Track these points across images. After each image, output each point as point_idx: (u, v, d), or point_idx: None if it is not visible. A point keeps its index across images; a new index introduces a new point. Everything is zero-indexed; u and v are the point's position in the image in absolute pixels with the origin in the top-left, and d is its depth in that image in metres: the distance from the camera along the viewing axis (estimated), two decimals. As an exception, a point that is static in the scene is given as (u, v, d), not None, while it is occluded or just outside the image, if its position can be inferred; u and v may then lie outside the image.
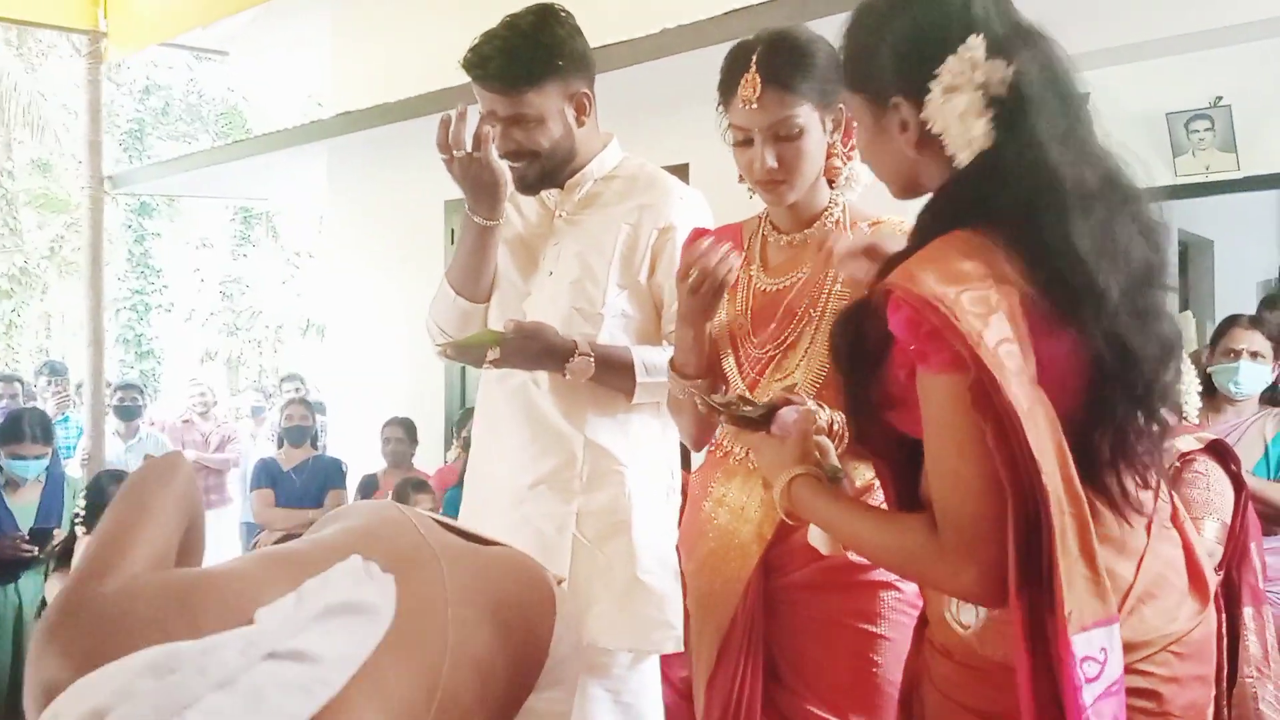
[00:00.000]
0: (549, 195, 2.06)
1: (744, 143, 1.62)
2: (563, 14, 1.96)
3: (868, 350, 1.18)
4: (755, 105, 1.57)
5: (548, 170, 1.99)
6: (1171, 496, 1.25)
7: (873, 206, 1.70)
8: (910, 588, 1.59)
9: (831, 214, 1.67)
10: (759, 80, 1.56)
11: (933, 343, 1.07)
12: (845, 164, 1.68)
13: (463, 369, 5.83)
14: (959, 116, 1.12)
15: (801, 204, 1.66)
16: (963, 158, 1.14)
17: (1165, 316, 1.14)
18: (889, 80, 1.19)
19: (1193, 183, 5.04)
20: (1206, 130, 4.93)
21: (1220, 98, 4.84)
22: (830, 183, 1.69)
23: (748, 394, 1.52)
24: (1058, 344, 1.10)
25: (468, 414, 5.19)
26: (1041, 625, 1.05)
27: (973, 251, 1.10)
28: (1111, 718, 1.05)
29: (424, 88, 5.04)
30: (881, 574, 1.58)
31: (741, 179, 1.68)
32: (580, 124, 1.98)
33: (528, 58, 1.89)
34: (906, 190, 1.27)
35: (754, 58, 1.58)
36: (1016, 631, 1.07)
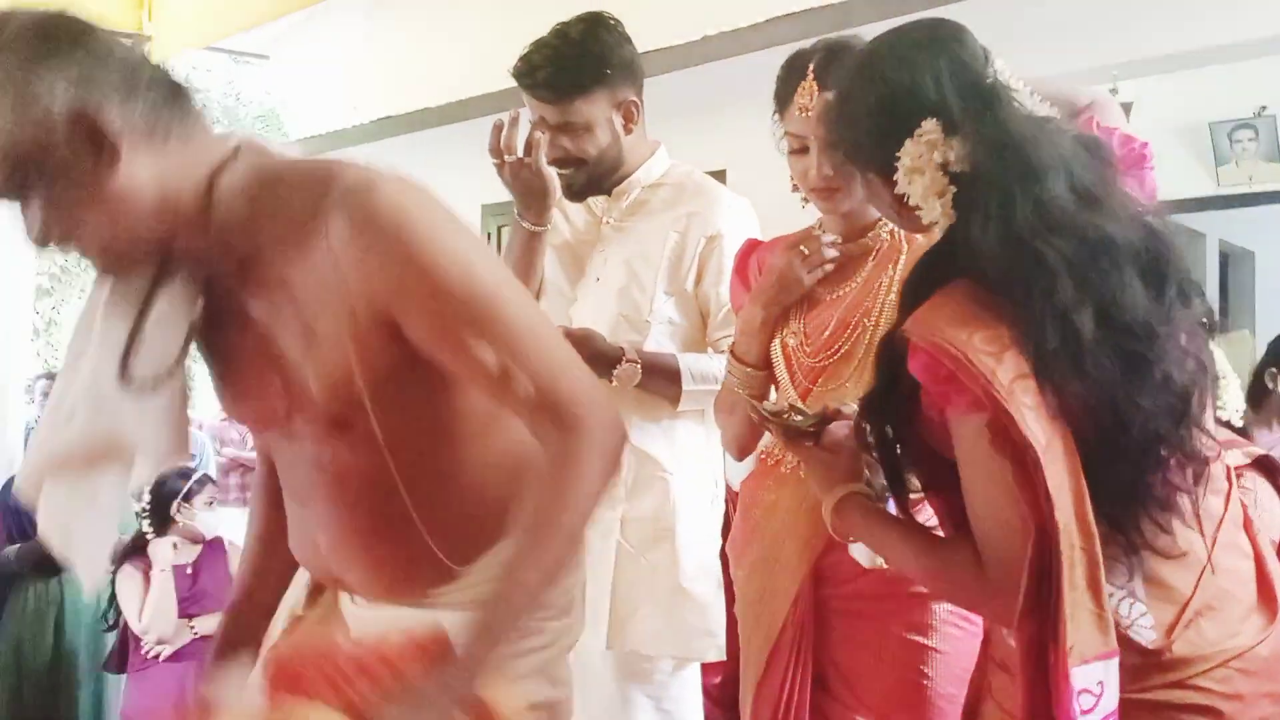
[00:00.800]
0: (596, 202, 2.07)
1: (799, 151, 1.63)
2: (611, 22, 1.97)
3: (904, 387, 1.19)
4: (812, 113, 1.57)
5: (595, 177, 2.01)
6: (1244, 505, 1.24)
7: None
8: (962, 599, 1.58)
9: (885, 224, 1.67)
10: (816, 88, 1.57)
11: (952, 385, 1.10)
12: None
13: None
14: (921, 195, 1.17)
15: (855, 213, 1.66)
16: (938, 230, 1.19)
17: (1169, 361, 1.12)
18: (861, 158, 1.27)
19: (1235, 193, 4.99)
20: (1250, 140, 4.88)
21: (1265, 107, 4.78)
22: None
23: (799, 403, 1.51)
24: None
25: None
26: (1043, 655, 1.08)
27: (977, 298, 1.13)
28: None
29: (462, 93, 5.07)
30: (932, 585, 1.57)
31: (795, 188, 1.68)
32: (628, 131, 2.00)
33: (576, 66, 1.91)
34: (915, 232, 1.34)
35: (811, 66, 1.59)
36: (1017, 660, 1.10)
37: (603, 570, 1.95)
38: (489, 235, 5.90)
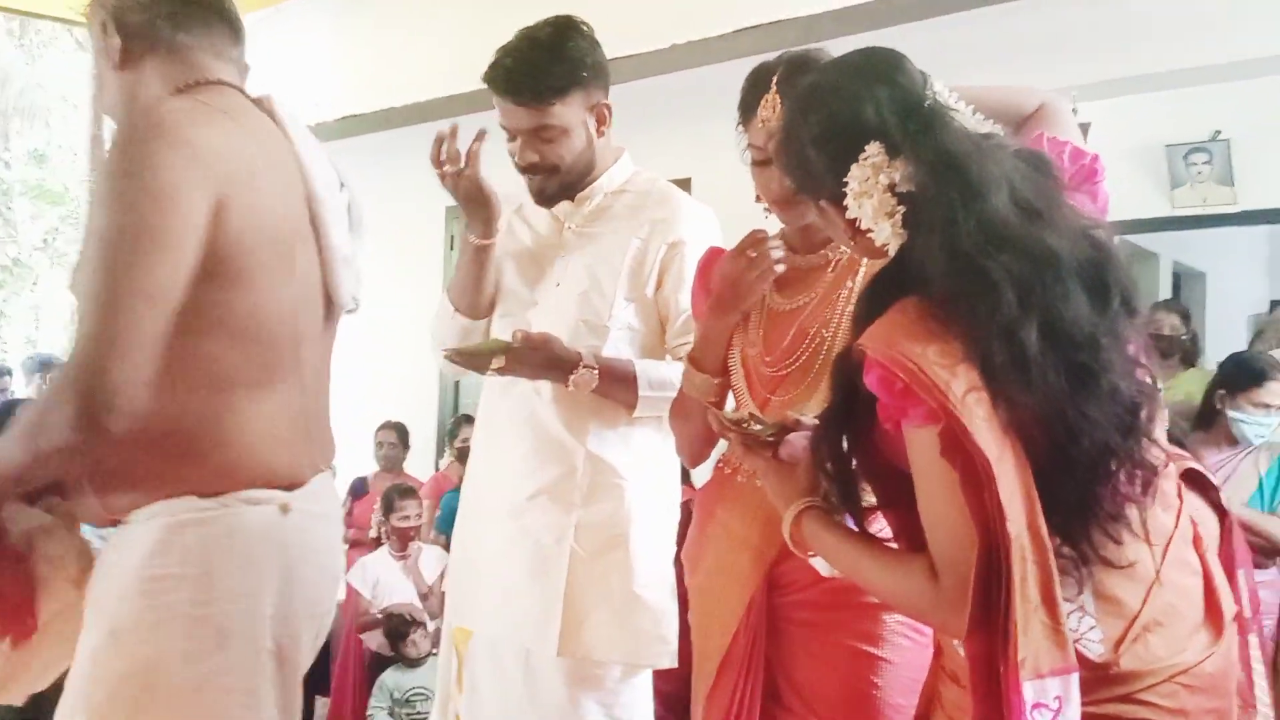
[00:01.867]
0: (559, 208, 2.07)
1: (763, 162, 1.63)
2: (583, 26, 1.97)
3: (860, 401, 1.21)
4: (773, 124, 1.58)
5: (567, 183, 2.00)
6: (1194, 523, 1.26)
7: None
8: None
9: None
10: (779, 101, 1.57)
11: (907, 398, 1.12)
12: None
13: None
14: (871, 218, 1.20)
15: (816, 226, 1.67)
16: (890, 249, 1.22)
17: (1116, 373, 1.14)
18: (811, 187, 1.29)
19: (1189, 215, 5.08)
20: (1205, 163, 4.98)
21: (1219, 131, 4.88)
22: None
23: (758, 412, 1.52)
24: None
25: (460, 421, 5.18)
26: (993, 669, 1.08)
27: (929, 313, 1.15)
28: None
29: (428, 93, 5.05)
30: (884, 596, 1.58)
31: (758, 198, 1.69)
32: (600, 134, 2.00)
33: (554, 70, 1.90)
34: (870, 258, 1.36)
35: (775, 79, 1.60)
36: (968, 675, 1.10)
37: (556, 575, 1.95)
38: (451, 238, 5.88)
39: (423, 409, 5.73)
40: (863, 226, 1.22)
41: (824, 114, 1.24)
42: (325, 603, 1.60)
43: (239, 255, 1.37)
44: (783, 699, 1.63)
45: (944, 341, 1.11)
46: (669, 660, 1.98)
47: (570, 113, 1.93)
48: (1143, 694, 1.14)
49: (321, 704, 4.65)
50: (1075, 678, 1.08)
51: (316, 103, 5.96)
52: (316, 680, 4.70)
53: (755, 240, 1.65)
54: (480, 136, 1.97)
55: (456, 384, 5.81)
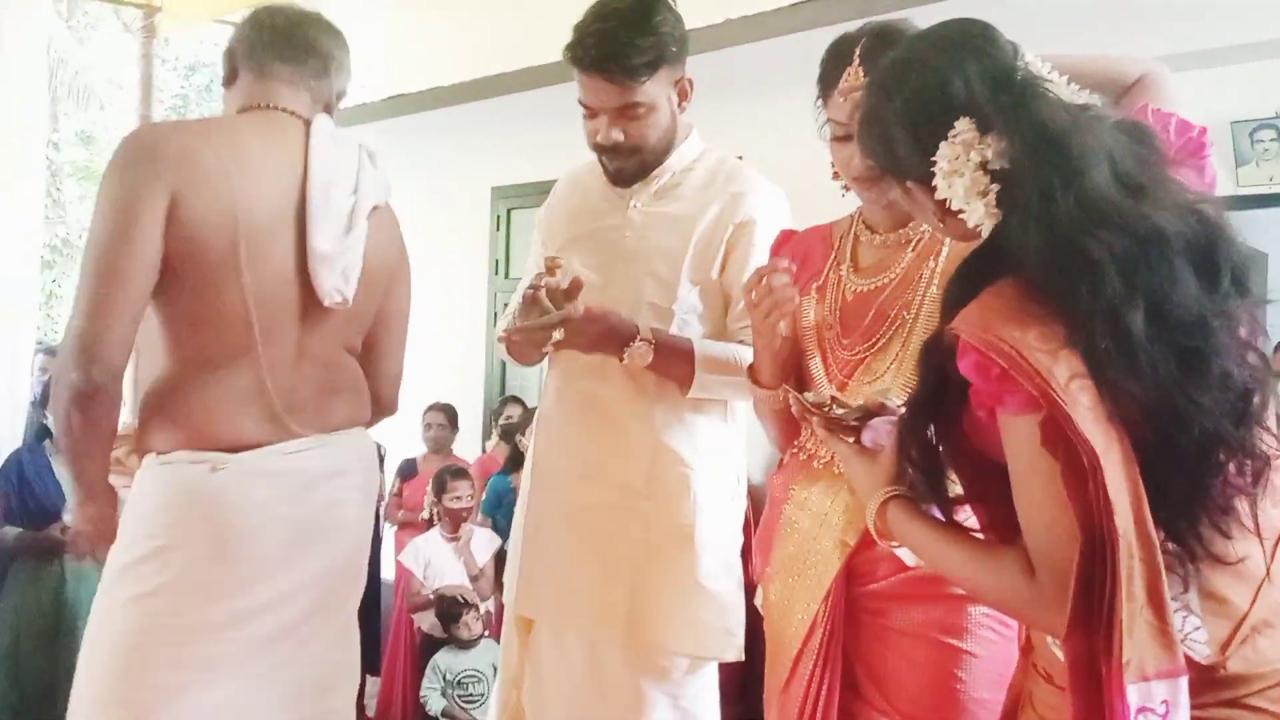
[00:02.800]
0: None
1: (843, 138, 1.58)
2: None
3: (950, 388, 1.15)
4: (858, 100, 1.52)
5: (647, 162, 1.95)
6: None
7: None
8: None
9: None
10: (862, 73, 1.52)
11: (1004, 384, 1.06)
12: None
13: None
14: (963, 197, 1.14)
15: (897, 203, 1.61)
16: (984, 230, 1.15)
17: (1227, 357, 1.08)
18: (898, 167, 1.23)
19: (1255, 194, 4.94)
20: (1272, 140, 4.81)
21: (1285, 109, 4.73)
22: None
23: (840, 395, 1.47)
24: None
25: (506, 401, 5.16)
26: (1095, 671, 1.02)
27: (1027, 295, 1.09)
28: None
29: (475, 72, 5.01)
30: (968, 588, 1.53)
31: (836, 175, 1.63)
32: (682, 110, 1.94)
33: (643, 45, 1.84)
34: (961, 240, 1.28)
35: (857, 51, 1.54)
36: (1067, 676, 1.04)
37: (621, 566, 1.91)
38: (497, 219, 5.85)
39: (470, 390, 5.72)
40: (953, 207, 1.16)
41: (910, 90, 1.18)
42: (301, 559, 1.75)
43: (193, 250, 1.63)
44: (862, 692, 1.59)
45: (1044, 325, 1.05)
46: (735, 653, 1.94)
47: (657, 89, 1.88)
48: (1251, 698, 1.08)
49: (372, 684, 4.67)
50: (1184, 681, 1.02)
51: (364, 84, 5.96)
52: (367, 660, 4.73)
53: (755, 280, 1.57)
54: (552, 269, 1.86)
55: (503, 365, 5.79)
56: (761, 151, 3.61)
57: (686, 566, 1.91)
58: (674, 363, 1.88)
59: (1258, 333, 1.12)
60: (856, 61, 1.53)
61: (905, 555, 1.37)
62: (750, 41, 3.79)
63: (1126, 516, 1.01)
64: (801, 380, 1.69)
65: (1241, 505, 1.10)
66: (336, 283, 1.75)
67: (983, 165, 1.12)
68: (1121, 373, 1.04)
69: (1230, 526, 1.09)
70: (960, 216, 1.16)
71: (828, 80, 1.59)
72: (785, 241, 1.78)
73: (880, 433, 1.35)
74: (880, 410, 1.38)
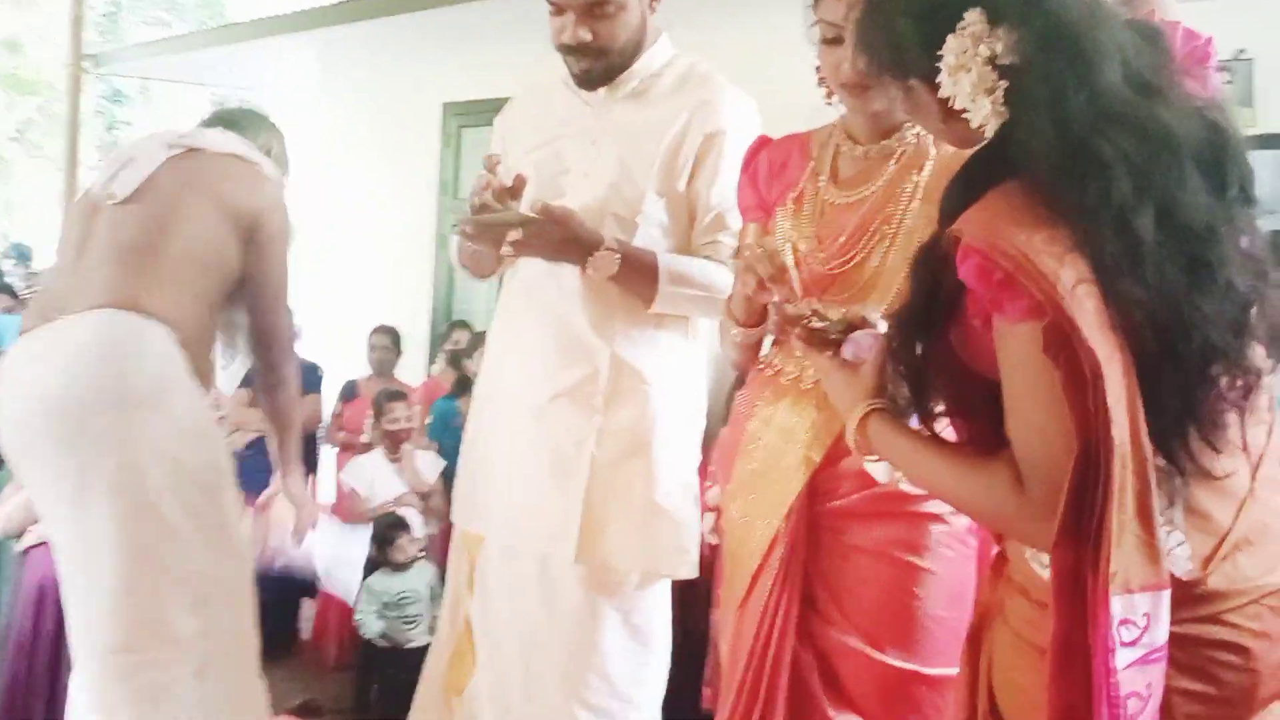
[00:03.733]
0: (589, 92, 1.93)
1: (833, 40, 1.51)
2: None
3: (942, 296, 1.11)
4: None
5: (614, 65, 1.87)
6: None
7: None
8: (961, 521, 1.53)
9: (911, 127, 1.57)
10: None
11: (1007, 290, 1.01)
12: None
13: (449, 280, 5.71)
14: (969, 95, 1.09)
15: (884, 113, 1.56)
16: (988, 130, 1.10)
17: (1232, 267, 1.05)
18: (901, 64, 1.17)
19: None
20: (1225, 83, 4.84)
21: (1243, 50, 4.74)
22: None
23: (820, 307, 1.43)
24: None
25: (453, 326, 5.08)
26: (1081, 581, 1.00)
27: (1034, 198, 1.05)
28: (1144, 686, 1.00)
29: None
30: (931, 505, 1.52)
31: (821, 82, 1.57)
32: (653, 12, 1.86)
33: None
34: (960, 146, 1.23)
35: None
36: (1052, 585, 1.02)
37: (575, 480, 1.87)
38: (448, 136, 5.70)
39: (416, 313, 5.62)
40: (957, 106, 1.10)
41: None
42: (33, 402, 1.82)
43: None
44: (820, 608, 1.57)
45: (1051, 228, 1.01)
46: (688, 570, 1.92)
47: None
48: (1228, 614, 1.07)
49: (308, 606, 4.63)
50: (1166, 595, 1.00)
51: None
52: (303, 582, 4.68)
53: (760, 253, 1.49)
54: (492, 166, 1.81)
55: (450, 289, 5.69)
56: (734, 62, 3.53)
57: (643, 483, 1.87)
58: (639, 275, 1.83)
59: (1258, 243, 1.09)
60: None
61: (877, 472, 1.34)
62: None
63: (1123, 428, 0.98)
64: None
65: (1233, 419, 1.08)
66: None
67: (991, 60, 1.07)
68: (1128, 278, 1.01)
69: (1220, 441, 1.07)
70: (964, 117, 1.11)
71: None
72: (760, 149, 1.72)
73: (862, 346, 1.32)
74: (862, 324, 1.35)
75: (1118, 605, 0.98)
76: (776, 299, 1.43)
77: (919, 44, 1.12)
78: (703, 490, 2.04)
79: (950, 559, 1.53)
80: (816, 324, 1.35)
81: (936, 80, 1.11)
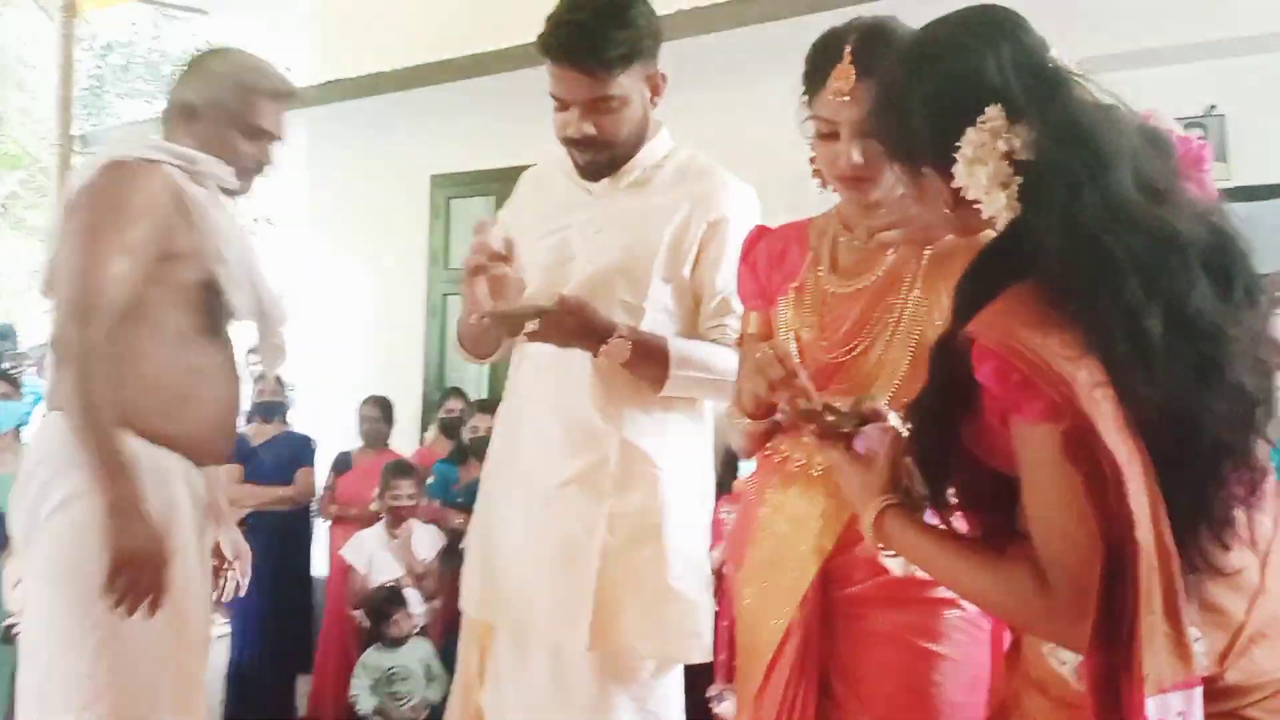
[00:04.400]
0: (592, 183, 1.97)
1: (829, 136, 1.55)
2: None
3: (959, 393, 1.12)
4: (847, 98, 1.50)
5: (618, 156, 1.91)
6: None
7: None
8: (974, 607, 1.53)
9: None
10: (854, 72, 1.49)
11: (1025, 392, 1.03)
12: None
13: (441, 349, 5.73)
14: (984, 187, 1.12)
15: (881, 203, 1.59)
16: (1000, 223, 1.13)
17: (1239, 365, 1.08)
18: (915, 152, 1.19)
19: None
20: (1198, 139, 4.94)
21: (1214, 107, 4.85)
22: None
23: (832, 402, 1.45)
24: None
25: (448, 394, 5.08)
26: (1114, 685, 1.02)
27: (1047, 300, 1.06)
28: None
29: (412, 59, 4.91)
30: (946, 591, 1.50)
31: (815, 174, 1.61)
32: (654, 104, 1.91)
33: (618, 37, 1.79)
34: (964, 235, 1.26)
35: (848, 48, 1.51)
36: (1087, 690, 1.03)
37: (587, 567, 1.87)
38: (436, 208, 5.75)
39: (408, 383, 5.63)
40: (970, 197, 1.13)
41: (940, 72, 1.15)
42: None
43: None
44: (837, 698, 1.57)
45: (1064, 331, 1.03)
46: (702, 655, 1.92)
47: (631, 83, 1.84)
48: (1248, 709, 1.08)
49: (304, 682, 4.58)
50: (1199, 692, 1.02)
51: (288, 67, 5.80)
52: (300, 658, 4.63)
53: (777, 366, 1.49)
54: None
55: (442, 358, 5.71)
56: (717, 145, 3.59)
57: (655, 568, 1.88)
58: (649, 361, 1.85)
59: (1265, 344, 1.12)
60: (848, 59, 1.50)
61: (894, 566, 1.36)
62: (698, 34, 3.76)
63: (1147, 528, 1.00)
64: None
65: (1241, 515, 1.10)
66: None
67: (1008, 155, 1.10)
68: (1139, 379, 1.03)
69: (1229, 538, 1.09)
70: (975, 207, 1.14)
71: (815, 78, 1.55)
72: (759, 238, 1.75)
73: (873, 439, 1.33)
74: (874, 416, 1.37)
75: (1153, 707, 0.98)
76: (788, 396, 1.45)
77: (935, 134, 1.15)
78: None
79: (966, 644, 1.53)
80: (829, 418, 1.36)
81: (951, 170, 1.14)
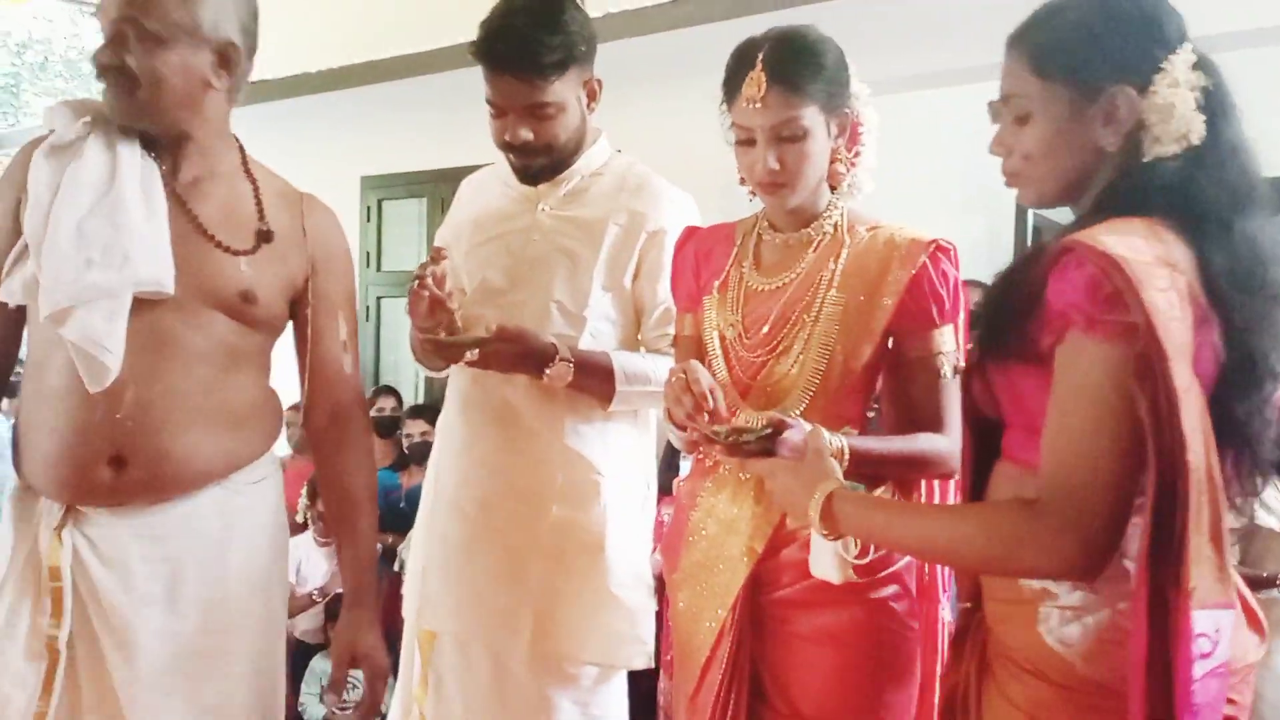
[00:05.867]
0: (531, 188, 1.97)
1: (746, 142, 1.57)
2: None
3: (1020, 306, 1.16)
4: (759, 105, 1.52)
5: (555, 162, 1.91)
6: None
7: (872, 213, 1.68)
8: (902, 605, 1.57)
9: (830, 216, 1.64)
10: (765, 79, 1.52)
11: (1108, 308, 1.06)
12: (849, 170, 1.64)
13: (376, 350, 5.67)
14: (1180, 111, 1.14)
15: (802, 205, 1.63)
16: (1168, 150, 1.16)
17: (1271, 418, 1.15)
18: (1113, 67, 1.18)
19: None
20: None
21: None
22: (832, 188, 1.66)
23: (741, 422, 1.47)
24: (1201, 339, 1.09)
25: (379, 393, 4.99)
26: (1164, 597, 1.05)
27: (1149, 234, 1.10)
28: (1215, 695, 1.06)
29: (342, 59, 4.85)
30: (872, 592, 1.56)
31: (742, 181, 1.63)
32: (591, 110, 1.91)
33: (553, 44, 1.80)
34: (1070, 191, 1.24)
35: (760, 56, 1.53)
36: (1138, 602, 1.06)
37: (530, 576, 1.88)
38: (368, 209, 5.69)
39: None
40: (1153, 119, 1.15)
41: (1137, 5, 1.19)
42: None
43: None
44: (769, 699, 1.60)
45: (1168, 266, 1.07)
46: (644, 661, 1.94)
47: (566, 89, 1.85)
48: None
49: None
50: (1233, 614, 1.08)
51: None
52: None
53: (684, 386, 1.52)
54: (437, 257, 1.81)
55: (377, 359, 5.65)
56: (643, 145, 3.60)
57: (597, 575, 1.89)
58: (594, 379, 1.87)
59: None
60: (760, 67, 1.53)
61: (831, 574, 1.39)
62: (631, 36, 3.76)
63: (1199, 454, 1.05)
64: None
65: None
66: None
67: (1194, 89, 1.15)
68: (1235, 310, 1.10)
69: (1260, 481, 1.17)
70: (1142, 135, 1.16)
71: (731, 86, 1.58)
72: (688, 239, 1.78)
73: (796, 442, 1.36)
74: (783, 425, 1.40)
75: (1199, 619, 1.03)
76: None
77: (1145, 52, 1.17)
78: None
79: (894, 643, 1.56)
80: (743, 439, 1.40)
81: (1149, 90, 1.16)
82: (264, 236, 1.67)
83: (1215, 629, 1.05)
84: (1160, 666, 1.04)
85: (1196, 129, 1.15)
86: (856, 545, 1.37)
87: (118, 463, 1.55)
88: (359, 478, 1.75)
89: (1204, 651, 1.04)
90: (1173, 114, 1.14)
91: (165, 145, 1.64)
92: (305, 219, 1.73)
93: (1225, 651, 1.06)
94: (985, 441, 1.27)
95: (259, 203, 1.70)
